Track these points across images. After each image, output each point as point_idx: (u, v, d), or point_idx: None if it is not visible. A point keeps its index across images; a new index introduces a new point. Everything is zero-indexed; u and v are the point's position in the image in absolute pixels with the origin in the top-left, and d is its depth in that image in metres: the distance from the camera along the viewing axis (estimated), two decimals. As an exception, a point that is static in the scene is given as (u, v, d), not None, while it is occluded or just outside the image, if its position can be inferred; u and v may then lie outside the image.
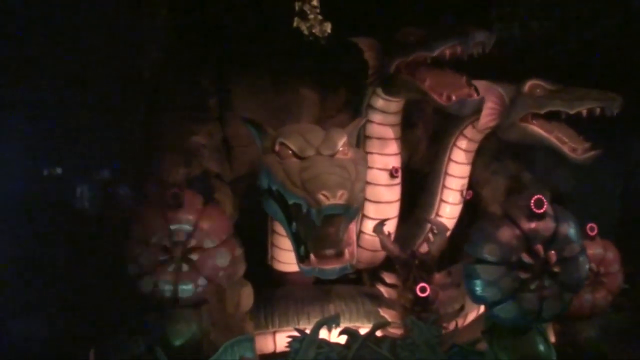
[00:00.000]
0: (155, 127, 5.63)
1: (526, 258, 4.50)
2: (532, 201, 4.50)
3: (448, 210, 6.02)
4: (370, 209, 5.76)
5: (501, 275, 4.54)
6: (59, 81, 5.05)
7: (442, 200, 6.01)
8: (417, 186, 6.32)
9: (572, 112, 5.37)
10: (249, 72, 6.01)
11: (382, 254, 5.89)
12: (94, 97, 5.19)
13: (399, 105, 5.71)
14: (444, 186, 6.01)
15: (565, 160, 5.73)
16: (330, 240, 4.29)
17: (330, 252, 4.29)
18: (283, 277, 5.78)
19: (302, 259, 4.35)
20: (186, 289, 4.71)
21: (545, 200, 4.51)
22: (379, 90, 5.56)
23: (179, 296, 4.72)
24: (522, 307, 4.52)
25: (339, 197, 4.02)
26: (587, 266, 4.73)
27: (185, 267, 4.70)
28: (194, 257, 4.70)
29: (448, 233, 5.97)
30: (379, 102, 5.65)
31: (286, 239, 5.21)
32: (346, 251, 4.32)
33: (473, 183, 6.47)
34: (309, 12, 5.27)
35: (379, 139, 5.71)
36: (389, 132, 5.77)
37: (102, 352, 4.60)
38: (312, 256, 4.27)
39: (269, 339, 5.52)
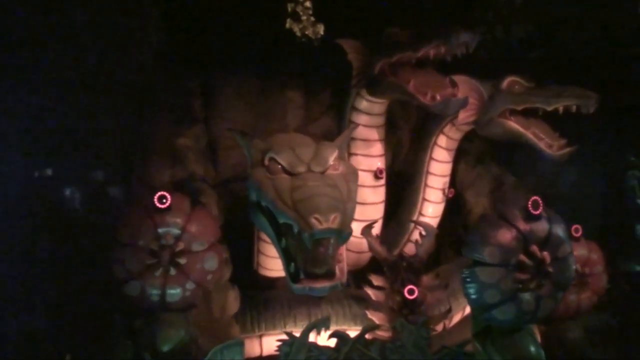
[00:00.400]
0: (141, 128, 5.55)
1: (524, 259, 4.54)
2: (530, 202, 4.54)
3: (431, 209, 6.04)
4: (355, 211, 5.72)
5: (501, 277, 4.57)
6: (46, 83, 4.95)
7: (424, 199, 6.04)
8: (400, 187, 6.32)
9: (549, 108, 5.42)
10: (234, 74, 6.00)
11: (367, 256, 5.88)
12: (82, 99, 5.09)
13: (382, 107, 5.72)
14: (426, 185, 6.04)
15: (548, 163, 5.79)
16: (320, 259, 4.25)
17: (320, 270, 4.26)
18: (268, 281, 5.73)
19: (292, 276, 4.31)
20: (174, 293, 4.64)
21: (541, 202, 4.53)
22: (363, 92, 5.56)
23: (166, 301, 4.64)
24: (520, 308, 4.57)
25: (332, 221, 3.99)
26: (574, 265, 4.84)
27: (173, 271, 4.62)
28: (182, 260, 4.63)
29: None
30: (363, 104, 5.65)
31: (272, 246, 5.21)
32: (337, 269, 4.30)
33: (457, 185, 6.51)
34: (301, 13, 5.24)
35: (363, 140, 5.71)
36: (374, 134, 5.78)
37: (90, 357, 4.50)
38: (301, 275, 4.25)
39: (255, 342, 5.44)
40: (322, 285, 4.24)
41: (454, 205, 6.47)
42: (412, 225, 5.94)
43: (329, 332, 4.80)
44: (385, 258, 5.32)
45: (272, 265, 5.53)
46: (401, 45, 5.12)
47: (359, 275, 5.96)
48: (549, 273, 4.55)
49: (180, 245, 4.64)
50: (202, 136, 5.79)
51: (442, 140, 5.98)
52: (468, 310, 5.87)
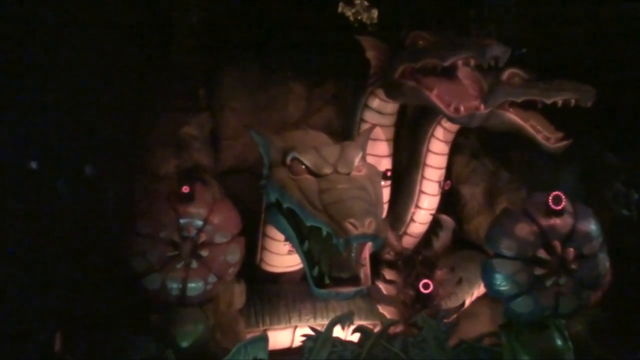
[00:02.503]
0: (145, 117, 5.33)
1: (543, 254, 4.55)
2: (550, 198, 4.56)
3: (427, 201, 5.94)
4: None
5: (517, 269, 4.59)
6: (48, 75, 4.70)
7: (421, 192, 5.93)
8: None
9: (548, 102, 5.44)
10: (238, 63, 5.80)
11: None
12: (83, 89, 4.85)
13: (395, 107, 5.61)
14: (423, 177, 5.91)
15: (544, 161, 5.87)
16: (346, 264, 4.12)
17: (345, 274, 4.12)
18: (270, 276, 5.60)
19: (316, 281, 4.13)
20: (195, 287, 4.49)
21: (563, 197, 4.56)
22: (379, 92, 5.41)
23: (187, 295, 4.49)
24: (538, 302, 4.59)
25: (367, 226, 3.82)
26: (607, 263, 4.77)
27: (194, 264, 4.46)
28: (204, 253, 4.47)
29: (426, 226, 5.95)
30: (376, 102, 5.51)
31: (278, 243, 5.17)
32: (361, 273, 4.15)
33: (452, 179, 6.51)
34: (355, -2, 5.10)
35: (372, 139, 5.43)
36: (383, 133, 5.65)
37: (110, 353, 4.29)
38: (327, 279, 4.09)
39: (260, 337, 5.31)
40: (348, 290, 4.08)
41: (448, 199, 6.47)
42: (409, 218, 5.89)
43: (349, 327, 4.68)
44: (400, 252, 5.28)
45: (277, 262, 5.41)
46: (428, 52, 4.96)
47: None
48: (572, 270, 4.55)
49: (203, 237, 4.48)
50: (206, 125, 5.60)
51: (439, 132, 5.86)
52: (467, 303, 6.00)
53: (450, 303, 5.39)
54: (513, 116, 5.63)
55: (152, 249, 4.40)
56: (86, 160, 5.09)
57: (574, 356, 4.64)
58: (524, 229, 4.63)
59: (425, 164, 5.87)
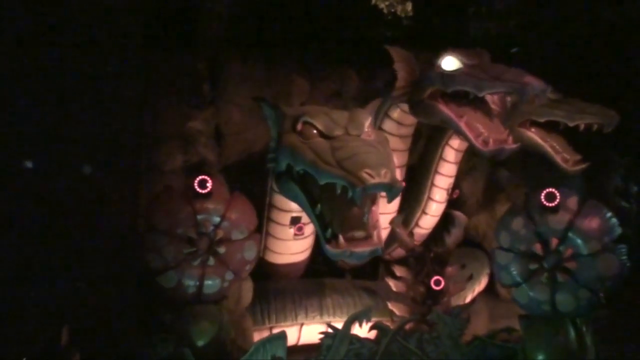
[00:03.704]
0: (150, 111, 5.21)
1: (537, 249, 4.64)
2: (543, 194, 4.61)
3: (434, 207, 5.84)
4: None
5: (509, 261, 4.76)
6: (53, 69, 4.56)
7: (429, 198, 5.82)
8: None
9: (571, 124, 5.45)
10: (241, 58, 5.69)
11: None
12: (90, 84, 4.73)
13: (415, 119, 5.42)
14: (432, 184, 5.80)
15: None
16: (359, 222, 4.14)
17: (359, 234, 4.12)
18: (273, 269, 5.52)
19: (329, 241, 4.10)
20: (212, 284, 4.41)
21: (557, 194, 4.59)
22: (404, 105, 5.24)
23: (203, 292, 4.40)
24: (532, 295, 4.70)
25: (383, 176, 3.86)
26: (614, 265, 4.69)
27: (211, 261, 4.37)
28: (221, 250, 4.38)
29: (429, 231, 5.94)
30: (397, 113, 5.32)
31: (284, 227, 5.07)
32: (375, 233, 4.15)
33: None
34: (389, -11, 5.00)
35: None
36: (400, 143, 5.44)
37: (128, 351, 4.18)
38: (341, 239, 4.05)
39: (265, 334, 5.14)
40: (363, 249, 4.08)
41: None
42: (414, 223, 5.83)
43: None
44: (412, 249, 5.25)
45: (282, 248, 5.25)
46: (463, 81, 4.71)
47: (372, 267, 5.93)
48: (567, 268, 4.61)
49: (220, 234, 4.40)
50: (212, 120, 5.50)
51: (454, 141, 5.62)
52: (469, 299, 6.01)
53: (454, 300, 5.35)
54: (533, 135, 5.64)
55: (169, 245, 4.32)
56: (90, 156, 4.93)
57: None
58: (519, 223, 4.76)
59: (436, 171, 5.74)
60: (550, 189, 4.74)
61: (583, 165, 5.56)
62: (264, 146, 5.25)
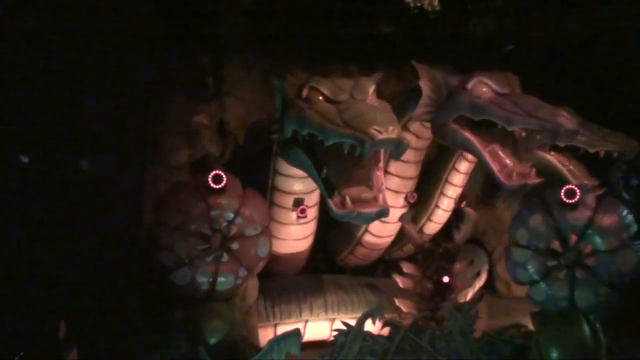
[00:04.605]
0: (155, 105, 5.11)
1: (556, 246, 4.60)
2: (563, 191, 4.58)
3: (440, 214, 5.75)
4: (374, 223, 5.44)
5: (528, 258, 4.68)
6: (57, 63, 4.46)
7: (436, 206, 5.70)
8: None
9: (592, 150, 5.48)
10: (243, 53, 5.62)
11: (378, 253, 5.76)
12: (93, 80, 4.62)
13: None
14: (442, 193, 5.68)
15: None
16: (364, 183, 4.20)
17: (366, 196, 4.16)
18: (274, 260, 5.42)
19: (336, 204, 4.11)
20: (226, 281, 4.33)
21: (577, 191, 4.59)
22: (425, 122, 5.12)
23: (216, 289, 4.31)
24: (550, 293, 4.64)
25: (391, 132, 3.90)
26: (633, 260, 4.66)
27: (225, 257, 4.29)
28: (235, 246, 4.30)
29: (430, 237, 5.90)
30: (415, 126, 5.19)
31: (287, 211, 5.03)
32: (380, 196, 4.19)
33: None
34: (416, -17, 4.91)
35: (402, 161, 5.14)
36: (414, 156, 5.33)
37: (140, 349, 4.10)
38: (348, 200, 4.07)
39: (270, 332, 5.18)
40: (370, 210, 4.10)
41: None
42: (419, 227, 5.78)
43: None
44: (421, 245, 5.22)
45: (284, 234, 5.15)
46: (492, 112, 4.59)
47: (375, 265, 5.94)
48: (586, 264, 4.58)
49: (233, 229, 4.31)
50: (216, 114, 5.44)
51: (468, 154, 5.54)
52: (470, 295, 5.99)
53: (468, 296, 5.35)
54: (552, 159, 5.66)
55: (182, 242, 4.22)
56: (94, 150, 4.82)
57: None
58: (537, 220, 4.69)
59: (447, 181, 5.63)
60: (570, 186, 4.70)
61: (600, 191, 5.49)
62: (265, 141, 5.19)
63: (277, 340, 4.36)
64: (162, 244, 4.23)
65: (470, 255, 5.91)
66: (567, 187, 4.70)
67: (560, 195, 4.69)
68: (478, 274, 5.45)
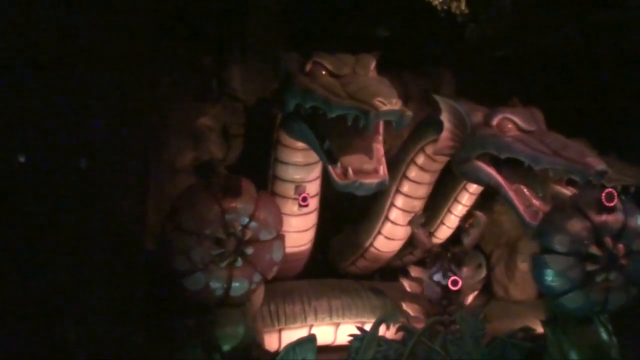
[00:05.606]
0: (159, 107, 5.04)
1: (595, 250, 4.53)
2: (604, 194, 4.55)
3: (443, 232, 5.72)
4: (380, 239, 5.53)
5: (570, 265, 4.55)
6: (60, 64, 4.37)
7: (442, 223, 5.68)
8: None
9: (608, 185, 5.33)
10: (247, 55, 5.66)
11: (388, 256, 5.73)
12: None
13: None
14: (449, 211, 5.63)
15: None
16: (365, 154, 4.25)
17: (367, 167, 4.20)
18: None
19: (338, 175, 4.16)
20: (240, 286, 4.26)
21: (616, 194, 4.59)
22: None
23: (230, 295, 4.24)
24: (588, 298, 4.57)
25: (394, 104, 3.95)
26: None
27: (239, 262, 4.21)
28: (249, 250, 4.22)
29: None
30: (431, 148, 5.11)
31: (288, 200, 4.99)
32: (381, 167, 4.24)
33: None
34: (443, -15, 4.86)
35: (414, 182, 5.24)
36: (427, 178, 5.31)
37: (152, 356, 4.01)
38: (350, 171, 4.12)
39: (274, 337, 5.12)
40: (371, 180, 4.14)
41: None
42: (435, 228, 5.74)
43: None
44: (429, 249, 5.19)
45: (285, 225, 4.92)
46: (519, 150, 4.53)
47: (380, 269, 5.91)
48: (622, 266, 4.55)
49: (248, 234, 4.22)
50: (221, 117, 5.41)
51: None
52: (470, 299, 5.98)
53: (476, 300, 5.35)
54: (566, 192, 5.49)
55: (197, 247, 4.13)
56: (98, 152, 4.73)
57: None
58: (576, 225, 4.57)
59: (455, 200, 5.60)
60: (609, 189, 4.66)
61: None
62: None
63: (293, 346, 4.34)
64: (176, 248, 4.13)
65: (475, 259, 5.88)
66: (607, 190, 4.66)
67: (599, 198, 4.62)
68: (485, 277, 5.40)
